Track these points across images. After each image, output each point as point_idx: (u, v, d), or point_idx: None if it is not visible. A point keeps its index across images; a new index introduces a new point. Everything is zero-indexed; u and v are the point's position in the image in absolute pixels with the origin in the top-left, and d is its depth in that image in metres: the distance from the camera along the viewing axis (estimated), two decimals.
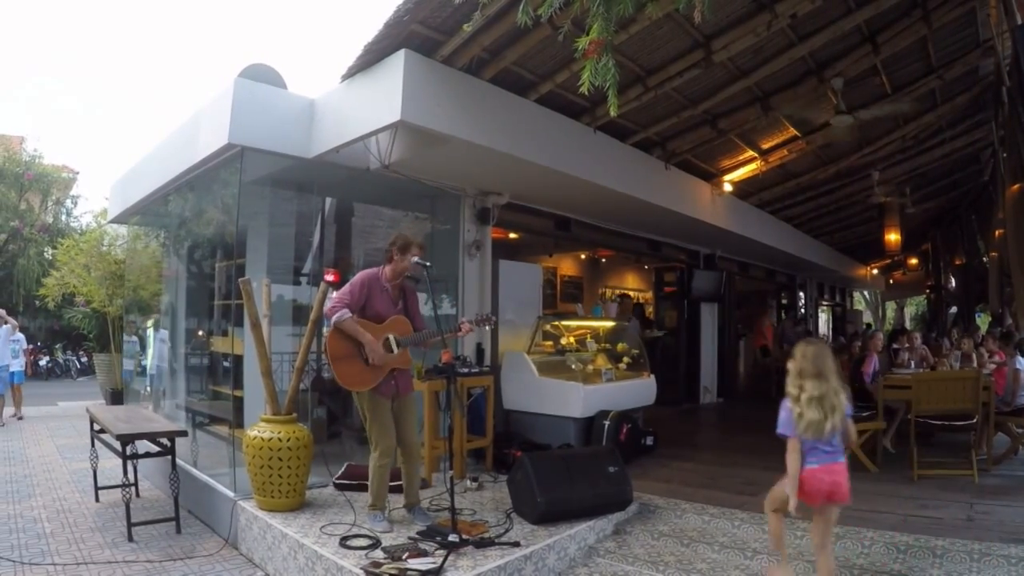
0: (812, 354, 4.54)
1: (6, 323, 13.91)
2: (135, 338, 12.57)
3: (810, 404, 4.41)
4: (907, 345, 10.74)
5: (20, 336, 14.59)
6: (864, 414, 7.95)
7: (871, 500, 6.46)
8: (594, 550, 5.70)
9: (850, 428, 4.57)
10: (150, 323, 13.53)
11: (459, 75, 6.55)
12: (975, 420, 7.35)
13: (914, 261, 23.65)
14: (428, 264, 5.55)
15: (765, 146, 10.67)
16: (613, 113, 4.03)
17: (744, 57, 7.60)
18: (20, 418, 13.79)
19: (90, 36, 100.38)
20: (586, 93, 3.89)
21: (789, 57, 7.67)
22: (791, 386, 4.56)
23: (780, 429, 4.54)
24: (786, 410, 4.53)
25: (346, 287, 5.73)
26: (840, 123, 8.71)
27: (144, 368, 13.60)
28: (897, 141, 11.14)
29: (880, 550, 5.26)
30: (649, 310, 16.34)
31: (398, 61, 6.11)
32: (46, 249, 24.76)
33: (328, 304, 5.67)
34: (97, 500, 7.75)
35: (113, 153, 72.03)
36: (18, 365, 14.05)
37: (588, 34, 3.72)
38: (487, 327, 5.97)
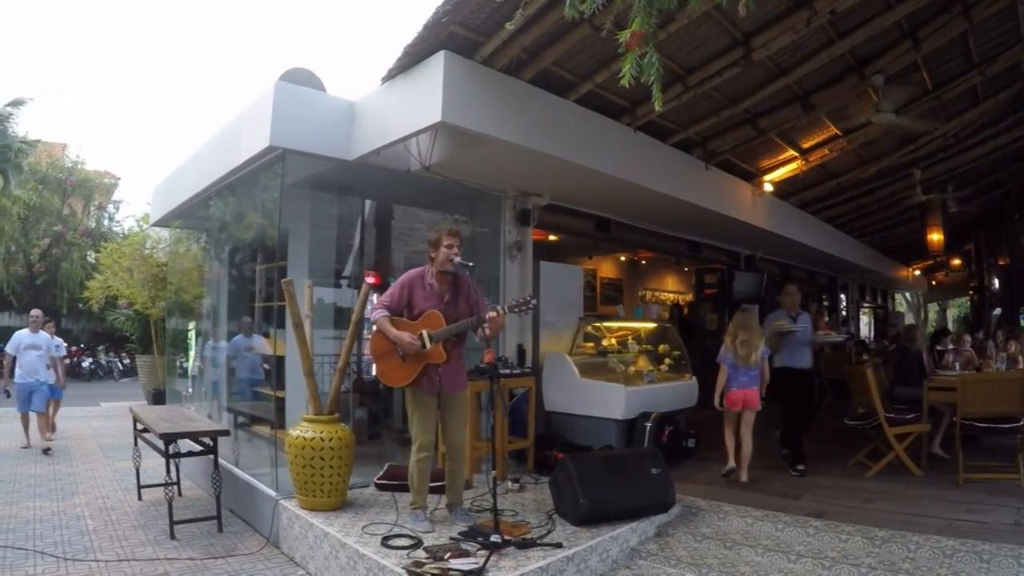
0: (740, 318, 7.80)
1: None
2: (222, 343, 11.05)
3: (740, 345, 7.54)
4: (951, 347, 10.59)
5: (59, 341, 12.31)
6: (909, 416, 7.85)
7: (916, 504, 6.38)
8: (636, 552, 5.67)
9: (764, 367, 7.65)
10: (192, 326, 13.65)
11: (498, 76, 6.56)
12: (1022, 423, 7.21)
13: (957, 262, 23.26)
14: (471, 264, 5.55)
15: (805, 145, 10.56)
16: (658, 108, 3.99)
17: (784, 55, 7.53)
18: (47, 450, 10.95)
19: (96, 39, 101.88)
20: (627, 86, 3.85)
21: (829, 54, 7.57)
22: (728, 335, 7.74)
23: (718, 359, 7.75)
24: (724, 348, 7.71)
25: (388, 289, 5.79)
26: (881, 121, 8.61)
27: (186, 370, 13.76)
28: (939, 139, 10.99)
29: (926, 554, 5.18)
30: (688, 312, 16.26)
31: (438, 62, 6.13)
32: (89, 253, 25.18)
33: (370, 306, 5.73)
34: (140, 498, 7.87)
35: (126, 156, 73.23)
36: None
37: (630, 26, 3.70)
38: (525, 311, 5.83)
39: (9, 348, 11.31)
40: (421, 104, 6.28)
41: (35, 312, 11.77)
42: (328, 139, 7.20)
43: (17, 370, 11.10)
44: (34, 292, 25.87)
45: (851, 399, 8.55)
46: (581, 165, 7.46)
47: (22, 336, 11.26)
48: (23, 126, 18.68)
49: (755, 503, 6.47)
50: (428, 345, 5.51)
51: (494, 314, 5.48)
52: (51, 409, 11.75)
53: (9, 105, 16.90)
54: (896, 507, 6.32)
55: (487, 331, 5.51)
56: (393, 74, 6.75)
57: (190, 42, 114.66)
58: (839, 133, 10.12)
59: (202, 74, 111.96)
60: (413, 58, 6.39)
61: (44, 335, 11.46)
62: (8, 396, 11.44)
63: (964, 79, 8.79)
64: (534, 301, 5.77)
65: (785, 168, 10.99)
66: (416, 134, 6.76)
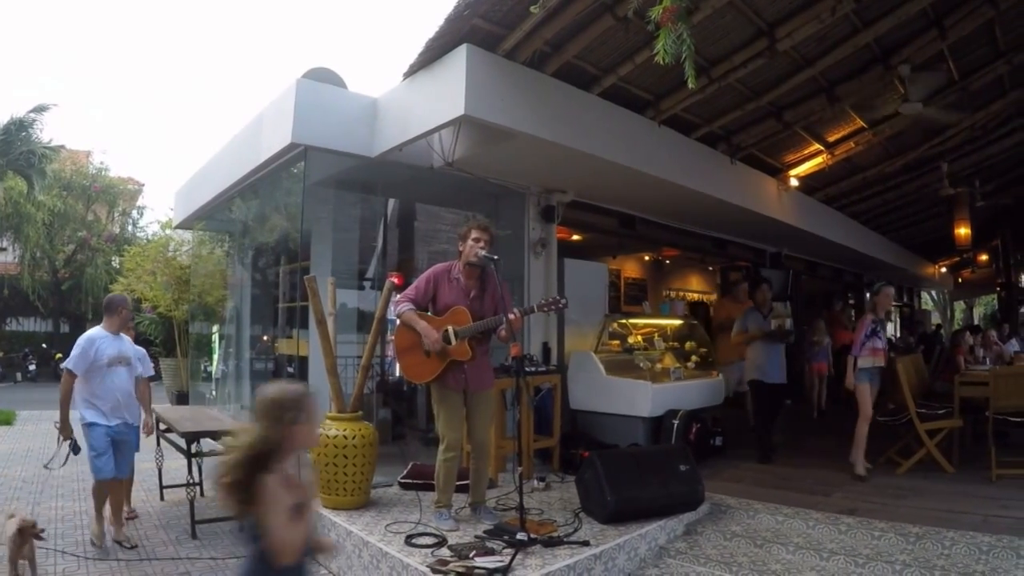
0: (817, 325, 12.34)
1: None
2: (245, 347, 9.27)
3: (816, 335, 12.09)
4: (979, 342, 10.48)
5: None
6: (940, 411, 7.73)
7: (949, 500, 6.28)
8: (665, 550, 5.59)
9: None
10: (216, 329, 13.70)
11: (522, 69, 6.50)
12: None
13: (984, 257, 22.92)
14: (496, 257, 5.48)
15: (831, 139, 10.43)
16: (692, 85, 3.96)
17: (808, 45, 7.41)
18: (133, 516, 7.09)
19: (120, 47, 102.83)
20: (663, 63, 3.78)
21: (854, 44, 7.44)
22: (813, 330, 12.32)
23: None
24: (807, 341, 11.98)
25: (414, 282, 5.75)
26: (908, 111, 8.49)
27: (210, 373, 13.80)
28: (965, 131, 10.82)
29: (961, 551, 5.09)
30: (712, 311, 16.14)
31: (460, 56, 6.09)
32: (113, 258, 25.35)
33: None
34: (162, 499, 7.90)
35: (150, 163, 74.25)
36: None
37: (660, 3, 3.64)
38: (554, 311, 5.77)
39: (75, 364, 6.06)
40: (444, 98, 6.26)
41: (116, 297, 6.81)
42: (350, 136, 7.19)
43: (88, 406, 6.15)
44: (59, 298, 26.07)
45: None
46: (605, 159, 7.39)
47: (97, 340, 6.26)
48: (47, 132, 18.80)
49: (786, 500, 6.37)
50: (453, 341, 5.45)
51: (513, 316, 5.39)
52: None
53: (33, 111, 17.01)
54: (929, 504, 6.21)
55: (502, 332, 5.45)
56: (415, 69, 6.72)
57: (210, 46, 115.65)
58: (865, 126, 9.99)
59: (222, 78, 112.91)
60: (435, 52, 6.36)
61: (128, 340, 6.82)
62: (77, 452, 6.29)
63: (990, 68, 8.64)
64: (564, 301, 5.67)
65: (810, 162, 10.87)
66: (439, 128, 6.73)
